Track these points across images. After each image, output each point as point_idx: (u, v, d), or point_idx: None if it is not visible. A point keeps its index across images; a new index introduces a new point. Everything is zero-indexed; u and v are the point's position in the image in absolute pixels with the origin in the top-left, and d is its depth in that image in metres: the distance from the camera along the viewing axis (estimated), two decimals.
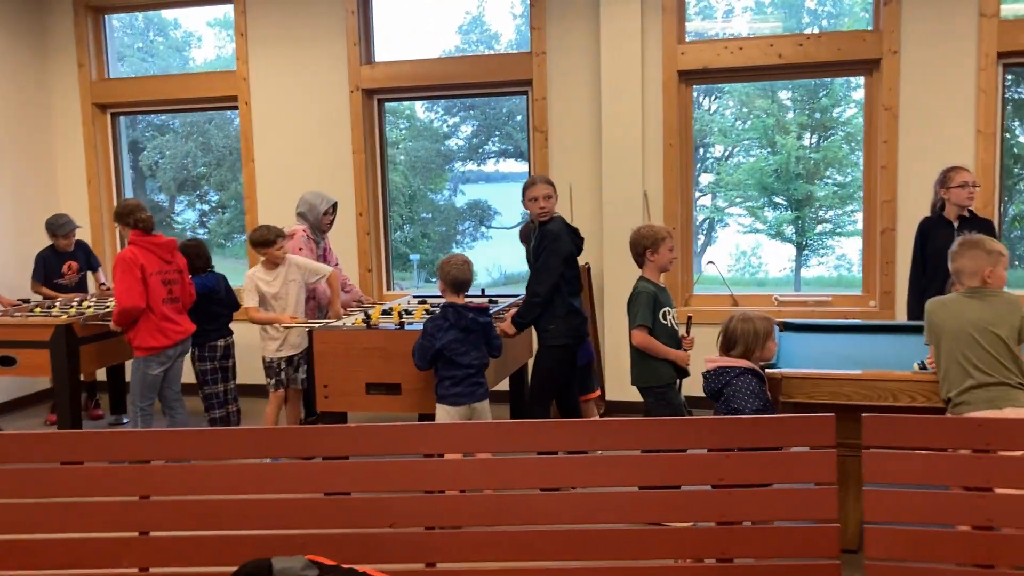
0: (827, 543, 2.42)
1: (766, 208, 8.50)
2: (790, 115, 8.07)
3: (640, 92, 5.70)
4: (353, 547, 2.44)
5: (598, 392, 5.24)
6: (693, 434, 2.46)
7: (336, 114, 6.39)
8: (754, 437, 2.44)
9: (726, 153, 8.41)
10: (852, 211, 7.89)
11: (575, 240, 4.52)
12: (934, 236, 4.45)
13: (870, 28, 5.53)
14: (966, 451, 2.40)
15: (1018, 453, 2.39)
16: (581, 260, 4.74)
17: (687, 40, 5.82)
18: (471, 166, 9.04)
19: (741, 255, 9.06)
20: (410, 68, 6.29)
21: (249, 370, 5.84)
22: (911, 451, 2.43)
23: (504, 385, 5.21)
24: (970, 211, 4.47)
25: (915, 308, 4.47)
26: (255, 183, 6.58)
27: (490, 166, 8.97)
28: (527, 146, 6.28)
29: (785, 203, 8.68)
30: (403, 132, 8.78)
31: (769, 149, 8.17)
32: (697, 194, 6.35)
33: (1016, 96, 5.91)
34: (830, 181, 8.28)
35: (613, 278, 5.78)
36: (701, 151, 7.43)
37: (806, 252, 8.70)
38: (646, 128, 5.80)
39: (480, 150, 8.94)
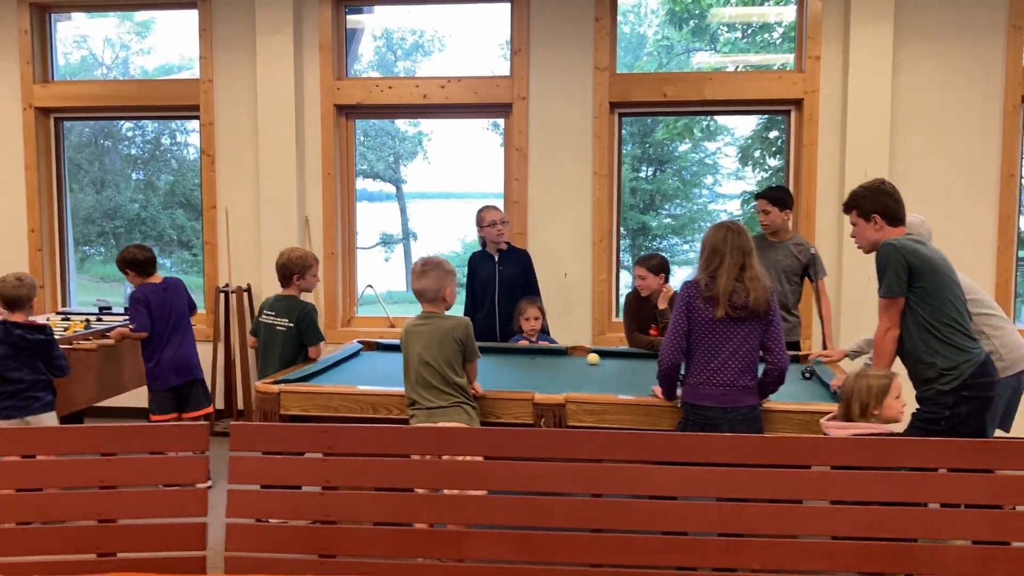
0: (195, 538, 2.73)
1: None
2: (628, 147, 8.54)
3: (294, 123, 6.00)
4: None
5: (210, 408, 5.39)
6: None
7: (8, 132, 6.41)
8: (135, 444, 2.74)
9: None
10: (686, 241, 8.34)
11: None
12: (481, 267, 4.97)
13: (506, 75, 6.05)
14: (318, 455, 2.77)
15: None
16: (242, 282, 4.99)
17: (347, 76, 6.19)
18: None
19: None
20: (87, 88, 6.39)
21: None
22: (274, 455, 2.78)
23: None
24: (508, 244, 5.01)
25: None
26: None
27: None
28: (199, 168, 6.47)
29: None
30: None
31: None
32: None
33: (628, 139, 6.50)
34: (663, 212, 8.67)
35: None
36: None
37: None
38: (307, 157, 6.11)
39: None
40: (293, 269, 4.31)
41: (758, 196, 4.78)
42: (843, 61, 5.54)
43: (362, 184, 7.54)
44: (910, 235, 3.44)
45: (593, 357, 4.42)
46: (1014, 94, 5.46)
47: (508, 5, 5.94)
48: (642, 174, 8.52)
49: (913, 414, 3.37)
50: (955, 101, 5.53)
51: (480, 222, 4.97)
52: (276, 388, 3.71)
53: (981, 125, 5.52)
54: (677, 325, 3.31)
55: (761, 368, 3.34)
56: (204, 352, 5.52)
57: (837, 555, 2.66)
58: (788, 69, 5.82)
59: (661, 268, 4.54)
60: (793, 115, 5.78)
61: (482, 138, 6.78)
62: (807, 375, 4.08)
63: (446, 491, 2.81)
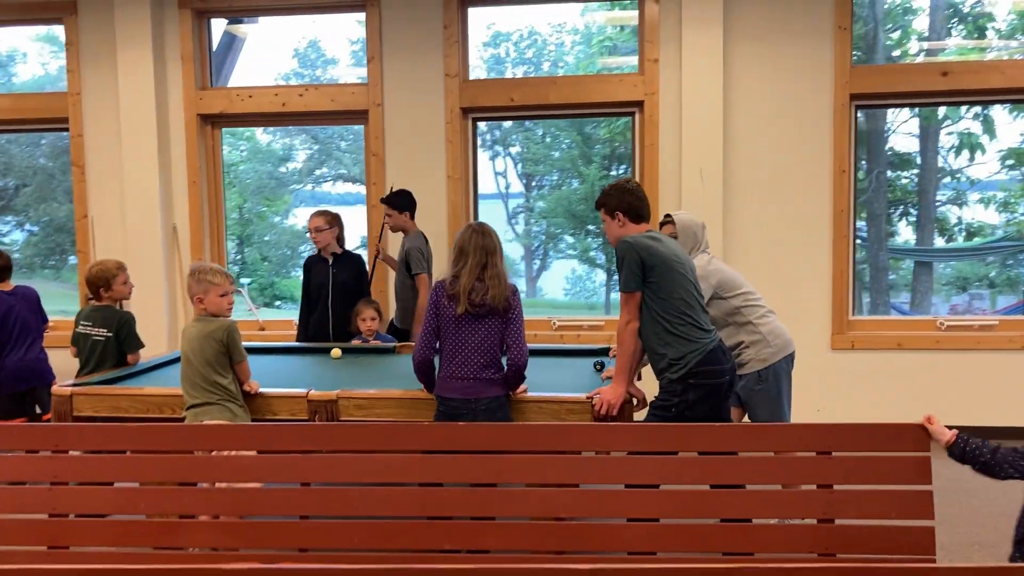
0: None
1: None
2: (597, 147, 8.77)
3: (156, 133, 6.15)
4: None
5: None
6: None
7: None
8: None
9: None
10: None
11: None
12: (315, 271, 5.14)
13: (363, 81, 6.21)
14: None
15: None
16: None
17: (212, 87, 6.35)
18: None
19: (577, 279, 9.75)
20: None
21: None
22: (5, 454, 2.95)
23: None
24: (344, 249, 5.17)
25: (302, 334, 5.15)
26: None
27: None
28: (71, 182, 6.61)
29: (596, 230, 9.38)
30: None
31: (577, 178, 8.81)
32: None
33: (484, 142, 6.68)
34: None
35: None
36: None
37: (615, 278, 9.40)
38: (173, 167, 6.26)
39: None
40: (97, 283, 4.45)
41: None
42: (679, 63, 5.72)
43: (344, 188, 7.79)
44: (649, 232, 3.61)
45: (336, 352, 4.62)
46: (842, 93, 5.65)
47: (363, 14, 6.10)
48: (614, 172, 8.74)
49: (651, 402, 3.56)
50: (786, 100, 5.72)
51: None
52: (68, 390, 3.86)
53: (812, 123, 5.71)
54: (427, 322, 3.48)
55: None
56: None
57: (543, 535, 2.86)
58: (631, 72, 6.00)
59: None
60: (636, 117, 5.96)
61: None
62: (598, 367, 4.25)
63: (204, 484, 3.01)
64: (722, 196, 5.68)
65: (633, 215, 3.63)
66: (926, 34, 11.37)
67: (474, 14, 6.14)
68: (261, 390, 3.77)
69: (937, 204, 11.58)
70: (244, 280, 8.74)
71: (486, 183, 12.14)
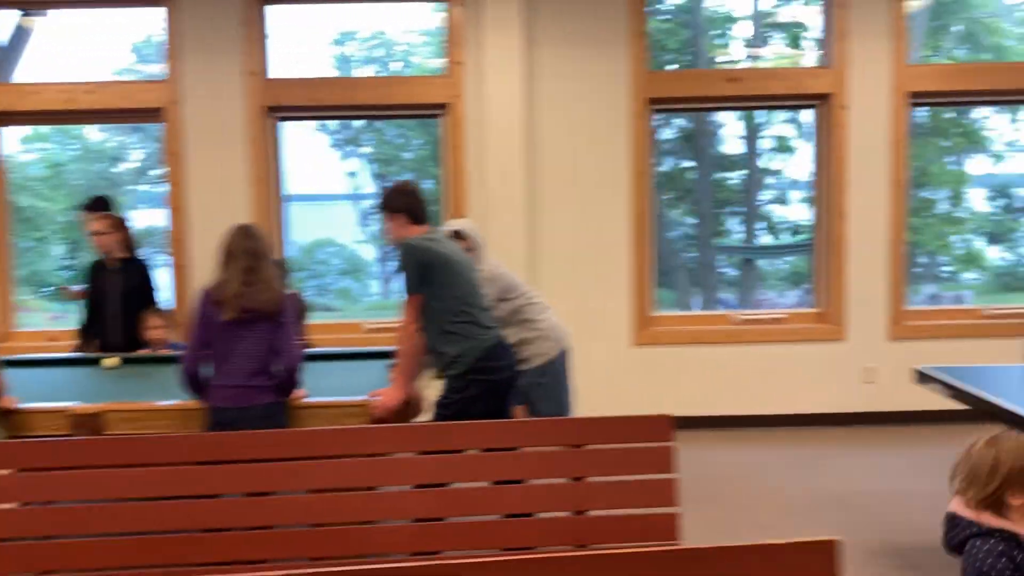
0: None
1: None
2: None
3: None
4: None
5: None
6: None
7: None
8: None
9: None
10: None
11: None
12: (98, 277, 4.91)
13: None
14: None
15: None
16: None
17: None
18: None
19: None
20: None
21: None
22: None
23: None
24: (132, 254, 4.96)
25: (84, 344, 4.92)
26: None
27: None
28: None
29: None
30: None
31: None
32: None
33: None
34: None
35: None
36: None
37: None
38: None
39: None
40: None
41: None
42: (482, 66, 5.78)
43: None
44: (428, 235, 3.63)
45: (111, 361, 4.41)
46: (639, 98, 5.85)
47: (162, 9, 5.85)
48: None
49: (435, 400, 3.59)
50: (587, 104, 5.88)
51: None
52: None
53: (612, 127, 5.90)
54: (193, 330, 3.37)
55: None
56: None
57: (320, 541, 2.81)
58: (438, 75, 6.02)
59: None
60: (443, 120, 5.98)
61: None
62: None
63: None
64: (525, 198, 5.77)
65: (413, 216, 3.64)
66: (748, 41, 11.98)
67: (275, 11, 6.00)
68: (20, 405, 3.54)
69: (762, 203, 12.23)
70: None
71: (337, 183, 11.99)
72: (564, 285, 5.92)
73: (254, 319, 3.33)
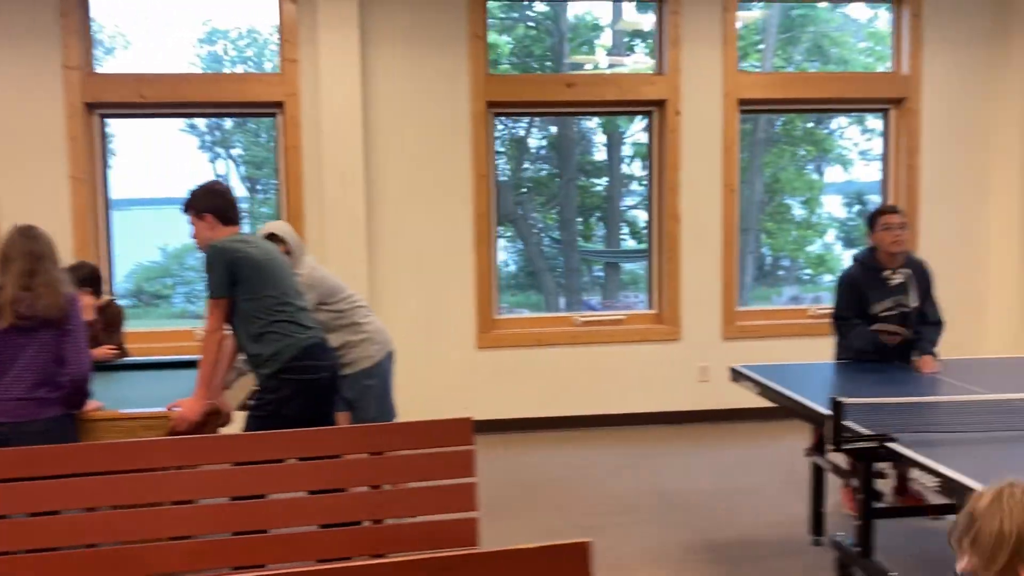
0: None
1: None
2: None
3: None
4: None
5: None
6: None
7: None
8: None
9: None
10: None
11: None
12: None
13: None
14: None
15: None
16: None
17: None
18: None
19: None
20: None
21: None
22: None
23: None
24: None
25: None
26: None
27: None
28: None
29: None
30: None
31: None
32: None
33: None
34: None
35: None
36: None
37: None
38: None
39: None
40: None
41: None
42: (317, 65, 5.64)
43: None
44: (238, 236, 3.49)
45: None
46: (479, 99, 5.84)
47: None
48: None
49: (249, 403, 3.48)
50: (427, 106, 5.82)
51: None
52: None
53: (453, 129, 5.86)
54: None
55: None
56: None
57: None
58: (272, 72, 5.85)
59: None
60: (278, 119, 5.81)
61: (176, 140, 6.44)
62: None
63: None
64: (365, 200, 5.67)
65: (222, 217, 3.50)
66: (608, 48, 12.17)
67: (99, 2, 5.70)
68: None
69: (626, 208, 12.45)
70: None
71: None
72: (408, 289, 5.85)
73: (36, 326, 3.11)
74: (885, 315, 4.06)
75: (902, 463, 2.73)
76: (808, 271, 12.24)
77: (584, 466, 5.23)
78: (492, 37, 11.35)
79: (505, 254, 14.54)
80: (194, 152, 11.65)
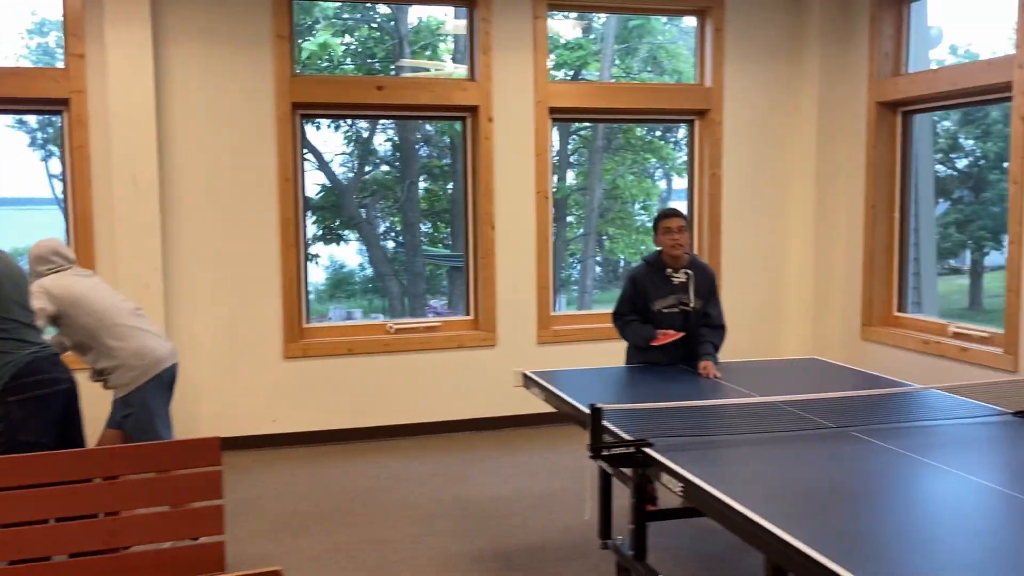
0: None
1: None
2: None
3: None
4: None
5: None
6: None
7: None
8: None
9: None
10: None
11: None
12: None
13: None
14: None
15: None
16: None
17: None
18: None
19: None
20: None
21: None
22: None
23: None
24: None
25: None
26: None
27: None
28: None
29: None
30: None
31: None
32: None
33: None
34: None
35: None
36: None
37: None
38: None
39: None
40: None
41: None
42: (105, 61, 5.31)
43: None
44: None
45: None
46: (284, 101, 5.65)
47: None
48: None
49: None
50: (229, 107, 5.58)
51: None
52: None
53: (256, 131, 5.64)
54: None
55: None
56: None
57: None
58: (60, 68, 5.46)
59: None
60: (63, 116, 5.43)
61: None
62: None
63: None
64: (159, 204, 5.37)
65: None
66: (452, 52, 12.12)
67: None
68: None
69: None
70: None
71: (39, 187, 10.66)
72: (209, 298, 5.59)
73: None
74: (667, 311, 4.17)
75: (654, 468, 2.77)
76: None
77: (392, 477, 5.13)
78: (323, 38, 11.09)
79: (360, 257, 14.30)
80: (24, 149, 10.86)
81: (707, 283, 4.27)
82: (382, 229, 14.28)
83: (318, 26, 11.32)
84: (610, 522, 3.99)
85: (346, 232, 13.38)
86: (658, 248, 4.25)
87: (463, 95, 5.95)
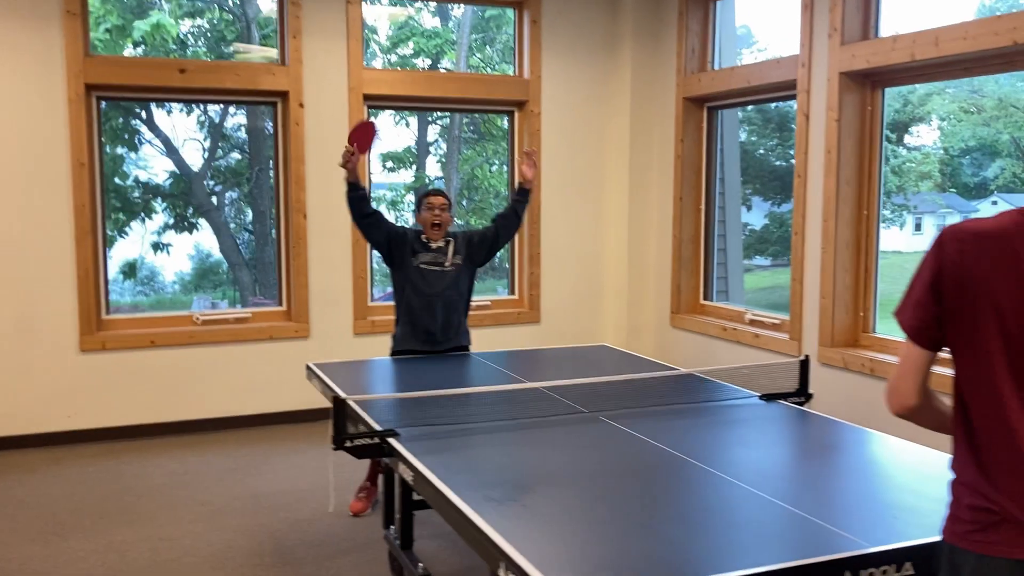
0: None
1: None
2: None
3: None
4: None
5: None
6: None
7: None
8: None
9: None
10: None
11: None
12: None
13: None
14: None
15: None
16: None
17: None
18: None
19: None
20: None
21: None
22: None
23: None
24: None
25: None
26: None
27: None
28: None
29: None
30: None
31: None
32: None
33: None
34: None
35: None
36: None
37: None
38: None
39: None
40: None
41: None
42: None
43: None
44: None
45: None
46: (76, 83, 5.37)
47: None
48: None
49: None
50: (15, 88, 5.27)
51: None
52: None
53: (46, 114, 5.34)
54: None
55: None
56: None
57: None
58: None
59: None
60: None
61: None
62: None
63: None
64: None
65: None
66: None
67: None
68: None
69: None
70: None
71: None
72: None
73: None
74: (425, 267, 4.25)
75: (394, 458, 2.77)
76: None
77: (188, 473, 4.98)
78: (156, 18, 10.61)
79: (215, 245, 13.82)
80: None
81: (467, 237, 4.38)
82: (233, 216, 13.88)
83: (162, 5, 10.85)
84: (393, 512, 4.01)
85: (198, 220, 12.96)
86: (419, 226, 4.35)
87: (272, 80, 5.81)
